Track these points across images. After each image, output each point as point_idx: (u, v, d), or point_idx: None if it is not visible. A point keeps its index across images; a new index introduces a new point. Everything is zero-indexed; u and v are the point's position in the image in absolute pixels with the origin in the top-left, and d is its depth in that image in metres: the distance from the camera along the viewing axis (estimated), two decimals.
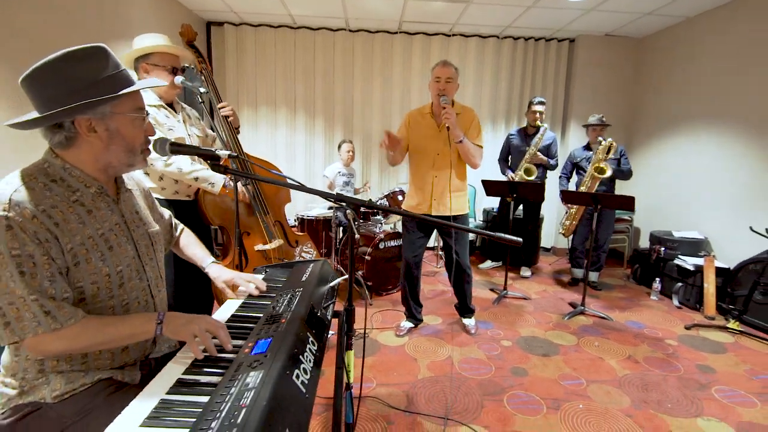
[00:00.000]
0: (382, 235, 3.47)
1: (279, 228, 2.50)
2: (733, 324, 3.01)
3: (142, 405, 0.80)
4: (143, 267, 1.10)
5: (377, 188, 4.92)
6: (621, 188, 3.86)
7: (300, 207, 4.28)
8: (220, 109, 2.17)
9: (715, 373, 2.44)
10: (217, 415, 0.73)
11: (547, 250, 5.28)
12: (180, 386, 0.87)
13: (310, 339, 1.11)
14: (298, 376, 0.90)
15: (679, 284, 3.52)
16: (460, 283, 2.82)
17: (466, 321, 2.93)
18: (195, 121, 2.20)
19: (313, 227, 3.71)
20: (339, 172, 4.12)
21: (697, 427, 1.95)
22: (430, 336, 2.83)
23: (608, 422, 1.97)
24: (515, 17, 4.22)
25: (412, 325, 2.90)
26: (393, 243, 3.58)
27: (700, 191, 3.88)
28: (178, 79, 1.94)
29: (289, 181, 1.16)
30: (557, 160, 4.06)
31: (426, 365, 2.45)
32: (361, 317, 2.93)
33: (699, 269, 3.36)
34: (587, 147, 3.89)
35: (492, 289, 3.78)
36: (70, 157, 0.96)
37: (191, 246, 1.41)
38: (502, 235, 1.11)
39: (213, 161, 1.07)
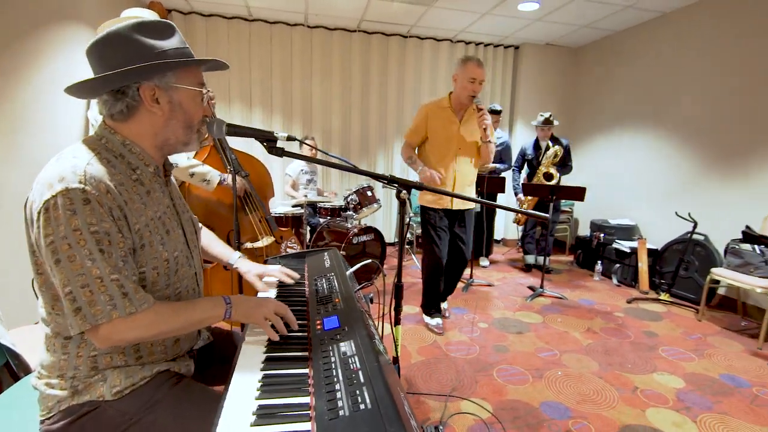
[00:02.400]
0: (355, 230, 3.51)
1: (265, 225, 2.45)
2: (664, 296, 3.50)
3: (244, 382, 0.79)
4: (191, 254, 1.06)
5: (338, 187, 4.93)
6: (562, 182, 4.30)
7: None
8: None
9: (659, 336, 2.84)
10: (334, 380, 0.75)
11: (498, 241, 5.66)
12: (271, 362, 0.87)
13: (366, 313, 1.18)
14: (377, 344, 0.95)
15: (618, 265, 4.01)
16: (459, 271, 2.93)
17: (443, 305, 3.07)
18: None
19: (281, 224, 3.64)
20: (302, 170, 4.08)
21: (655, 381, 2.26)
22: (414, 325, 2.93)
23: (585, 384, 2.22)
24: (470, 23, 4.49)
25: (440, 319, 2.87)
26: (365, 237, 3.63)
27: (631, 183, 4.44)
28: None
29: (348, 165, 1.19)
30: (508, 164, 4.35)
31: (416, 350, 2.54)
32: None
33: (634, 251, 3.85)
34: (536, 142, 4.29)
35: None
36: (128, 131, 0.90)
37: (214, 244, 1.36)
38: (534, 212, 1.24)
39: (270, 143, 1.07)
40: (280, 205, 3.98)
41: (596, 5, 3.88)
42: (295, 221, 3.75)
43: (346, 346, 0.86)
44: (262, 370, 0.84)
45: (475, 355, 2.51)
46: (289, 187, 4.01)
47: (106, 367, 0.90)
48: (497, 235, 5.61)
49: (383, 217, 5.26)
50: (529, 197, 4.11)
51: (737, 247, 2.86)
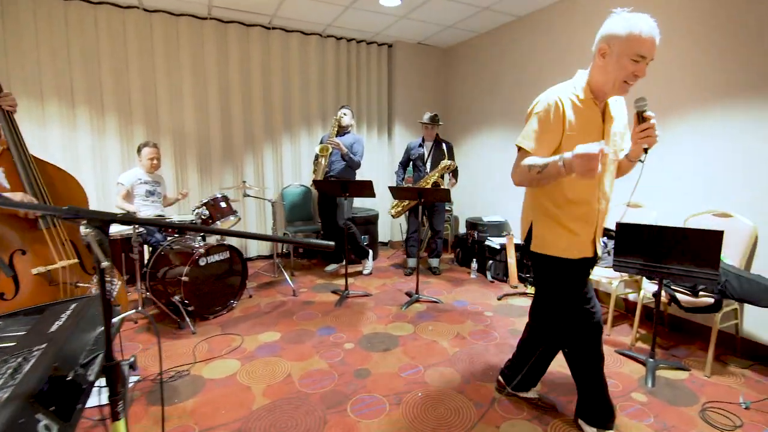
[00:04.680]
0: (202, 250, 2.97)
1: (71, 247, 1.87)
2: (530, 289, 3.59)
3: None
4: None
5: (197, 195, 4.27)
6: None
7: None
8: None
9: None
10: None
11: (384, 244, 5.51)
12: None
13: (44, 423, 0.74)
14: None
15: (491, 262, 4.07)
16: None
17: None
18: None
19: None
20: (140, 180, 3.40)
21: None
22: (268, 357, 2.53)
23: (444, 403, 2.04)
24: (335, 16, 4.21)
25: None
26: (218, 257, 3.12)
27: (500, 181, 4.57)
28: None
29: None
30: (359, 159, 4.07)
31: (262, 391, 2.14)
32: (181, 354, 2.46)
33: (504, 247, 3.93)
34: (422, 143, 4.20)
35: (334, 291, 3.68)
36: None
37: None
38: (314, 241, 0.94)
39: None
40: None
41: (456, 5, 3.87)
42: (125, 244, 3.08)
43: None
44: None
45: (332, 386, 2.20)
46: (120, 198, 3.29)
47: None
48: (383, 237, 5.45)
49: (257, 228, 4.74)
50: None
51: None
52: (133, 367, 1.17)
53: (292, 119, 4.74)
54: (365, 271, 4.25)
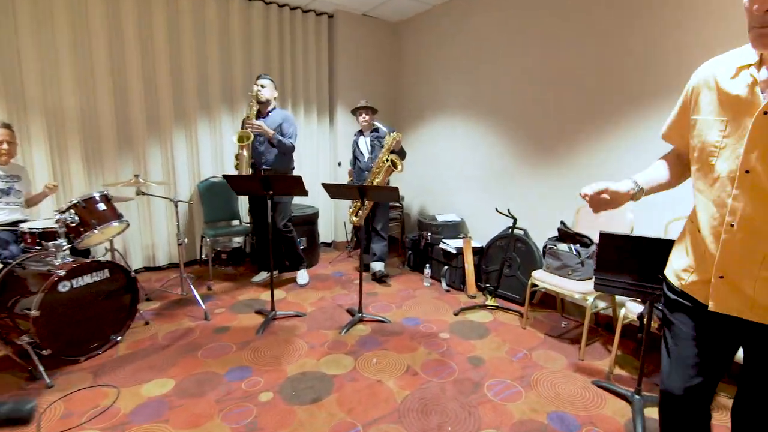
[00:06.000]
0: (62, 272, 2.17)
1: None
2: (491, 301, 3.13)
3: None
4: None
5: (83, 190, 3.35)
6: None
7: None
8: None
9: (484, 363, 2.34)
10: None
11: (328, 245, 4.87)
12: None
13: None
14: None
15: (446, 267, 3.56)
16: None
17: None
18: None
19: None
20: None
21: None
22: (148, 423, 1.82)
23: None
24: None
25: None
26: (90, 278, 2.32)
27: (454, 174, 4.06)
28: None
29: None
30: (291, 141, 3.30)
31: None
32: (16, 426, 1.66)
33: (460, 251, 3.44)
34: (360, 133, 3.73)
35: (259, 311, 2.99)
36: None
37: None
38: None
39: None
40: None
41: None
42: None
43: None
44: None
45: None
46: None
47: None
48: (325, 237, 4.80)
49: (160, 236, 3.90)
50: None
51: (555, 247, 2.55)
52: None
53: (211, 99, 3.90)
54: (300, 281, 3.59)
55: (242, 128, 3.21)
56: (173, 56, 3.67)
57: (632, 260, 1.84)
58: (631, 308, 2.17)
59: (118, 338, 2.46)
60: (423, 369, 2.28)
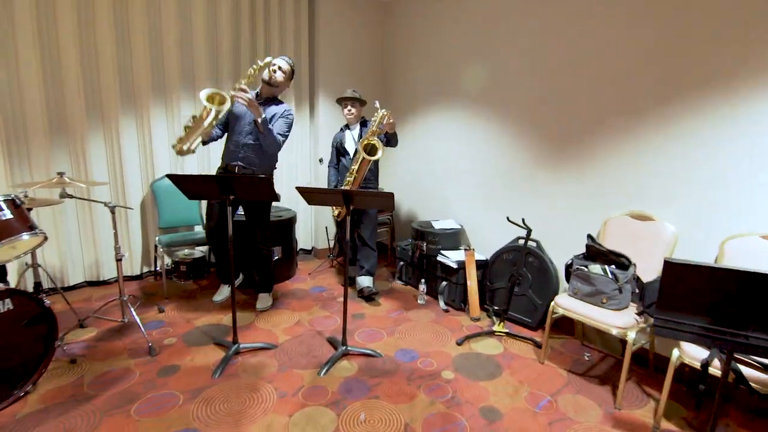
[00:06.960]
0: None
1: None
2: (498, 326, 2.65)
3: None
4: None
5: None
6: (382, 167, 3.19)
7: None
8: None
9: (502, 418, 1.86)
10: None
11: (308, 252, 4.32)
12: None
13: None
14: None
15: (444, 283, 3.07)
16: None
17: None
18: None
19: None
20: None
21: None
22: None
23: None
24: None
25: None
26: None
27: (452, 173, 3.57)
28: None
29: None
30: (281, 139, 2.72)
31: None
32: None
33: (462, 266, 2.95)
34: (347, 127, 3.24)
35: (219, 343, 2.43)
36: None
37: None
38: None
39: None
40: None
41: None
42: None
43: None
44: None
45: None
46: None
47: None
48: (305, 244, 4.26)
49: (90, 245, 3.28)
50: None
51: (586, 269, 2.08)
52: None
53: (168, 81, 3.29)
54: (260, 306, 2.93)
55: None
56: (120, 27, 3.04)
57: (710, 298, 1.38)
58: (690, 352, 1.71)
59: (22, 393, 1.87)
60: (425, 428, 1.78)
